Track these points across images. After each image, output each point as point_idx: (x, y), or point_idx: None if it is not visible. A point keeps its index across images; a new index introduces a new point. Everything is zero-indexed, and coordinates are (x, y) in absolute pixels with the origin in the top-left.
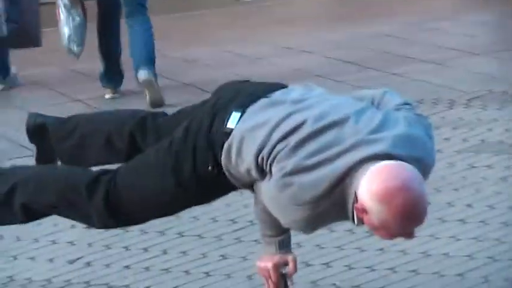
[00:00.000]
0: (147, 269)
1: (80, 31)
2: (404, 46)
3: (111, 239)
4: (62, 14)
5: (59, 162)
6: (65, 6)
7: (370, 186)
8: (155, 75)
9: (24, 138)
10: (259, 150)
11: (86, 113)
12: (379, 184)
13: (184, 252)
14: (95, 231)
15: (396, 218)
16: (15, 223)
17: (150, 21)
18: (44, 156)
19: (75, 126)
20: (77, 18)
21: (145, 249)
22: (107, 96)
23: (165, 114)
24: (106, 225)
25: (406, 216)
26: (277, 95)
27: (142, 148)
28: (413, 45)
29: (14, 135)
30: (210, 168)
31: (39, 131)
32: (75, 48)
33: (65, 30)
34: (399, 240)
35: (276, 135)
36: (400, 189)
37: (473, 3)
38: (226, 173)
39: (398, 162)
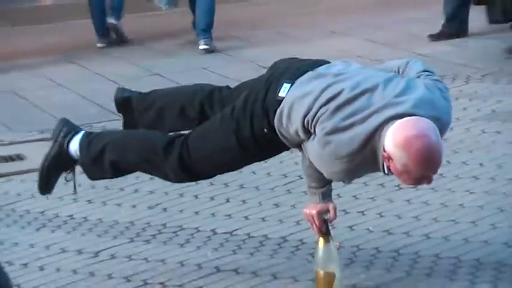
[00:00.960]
0: (213, 214)
1: None
2: (431, 30)
3: (183, 189)
4: None
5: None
6: None
7: (393, 136)
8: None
9: (111, 105)
10: (305, 114)
11: (164, 88)
12: (400, 134)
13: (244, 201)
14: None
15: (415, 162)
16: (105, 178)
17: None
18: (129, 124)
19: (155, 99)
20: None
21: (212, 198)
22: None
23: (228, 87)
24: (180, 180)
25: (423, 160)
26: (321, 69)
27: (210, 116)
28: (438, 29)
29: (103, 101)
30: (265, 130)
31: (125, 103)
32: (162, 5)
33: None
34: (421, 193)
35: (319, 102)
36: (417, 137)
37: None
38: (279, 135)
39: (417, 117)
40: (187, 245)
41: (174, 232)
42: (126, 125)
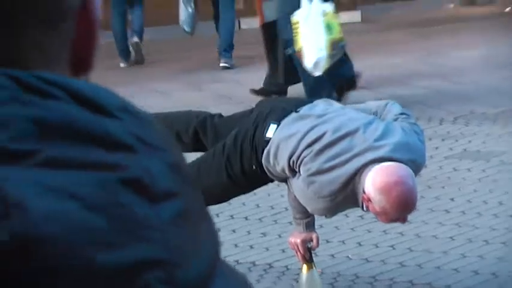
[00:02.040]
0: None
1: (191, 19)
2: (409, 74)
3: None
4: (181, 2)
5: None
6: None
7: (373, 181)
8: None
9: None
10: (291, 155)
11: (160, 112)
12: (380, 179)
13: (233, 230)
14: None
15: (392, 206)
16: None
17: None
18: None
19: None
20: (190, 10)
21: None
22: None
23: (220, 115)
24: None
25: (400, 205)
26: (305, 109)
27: (203, 142)
28: (416, 74)
29: None
30: (254, 167)
31: None
32: (185, 28)
33: (181, 15)
34: (397, 224)
35: (303, 144)
36: (396, 183)
37: (464, 41)
38: (266, 171)
39: (396, 163)
40: None
41: None
42: None
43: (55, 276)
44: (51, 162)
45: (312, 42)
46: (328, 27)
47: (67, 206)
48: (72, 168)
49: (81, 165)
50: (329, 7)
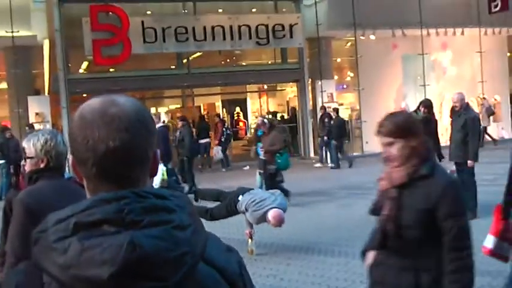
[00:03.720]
0: None
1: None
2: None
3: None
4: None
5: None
6: None
7: (270, 214)
8: None
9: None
10: (245, 206)
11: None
12: (273, 214)
13: (226, 227)
14: None
15: (277, 223)
16: None
17: None
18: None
19: (218, 194)
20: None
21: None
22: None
23: (228, 192)
24: (210, 220)
25: (279, 222)
26: (251, 191)
27: (221, 200)
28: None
29: None
30: (235, 208)
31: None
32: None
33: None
34: (278, 228)
35: (249, 202)
36: (278, 216)
37: None
38: (239, 210)
39: (278, 209)
40: None
41: None
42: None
43: (156, 265)
44: (149, 224)
45: (156, 178)
46: (162, 174)
47: (156, 241)
48: (157, 225)
49: (159, 222)
50: (163, 167)
